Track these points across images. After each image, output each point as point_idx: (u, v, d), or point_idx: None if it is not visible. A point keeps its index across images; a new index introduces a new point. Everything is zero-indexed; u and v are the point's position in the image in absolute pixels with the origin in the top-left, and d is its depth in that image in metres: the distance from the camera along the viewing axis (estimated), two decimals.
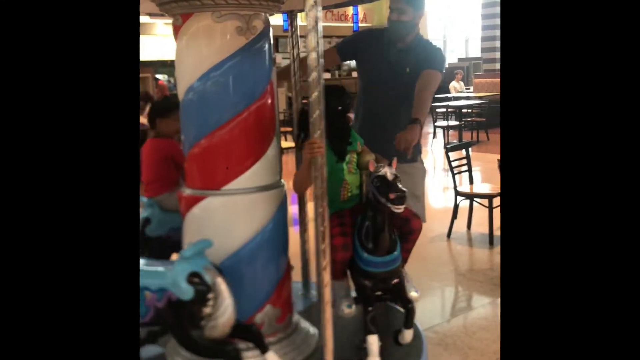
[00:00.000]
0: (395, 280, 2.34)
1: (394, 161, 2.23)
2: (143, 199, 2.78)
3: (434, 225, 5.35)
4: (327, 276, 2.08)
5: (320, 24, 1.97)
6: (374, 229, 2.24)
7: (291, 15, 3.03)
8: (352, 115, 2.42)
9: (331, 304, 2.34)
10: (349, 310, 2.42)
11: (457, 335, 3.16)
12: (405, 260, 2.47)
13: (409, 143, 2.53)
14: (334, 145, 2.34)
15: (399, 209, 2.10)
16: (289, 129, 9.94)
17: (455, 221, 4.96)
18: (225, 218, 2.33)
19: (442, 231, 5.00)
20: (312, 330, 2.59)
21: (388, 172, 2.15)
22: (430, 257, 4.52)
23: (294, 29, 3.01)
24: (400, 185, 2.11)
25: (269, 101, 2.39)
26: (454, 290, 4.06)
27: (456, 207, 4.97)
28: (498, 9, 15.73)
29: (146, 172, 2.88)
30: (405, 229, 2.40)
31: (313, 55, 1.97)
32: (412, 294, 2.45)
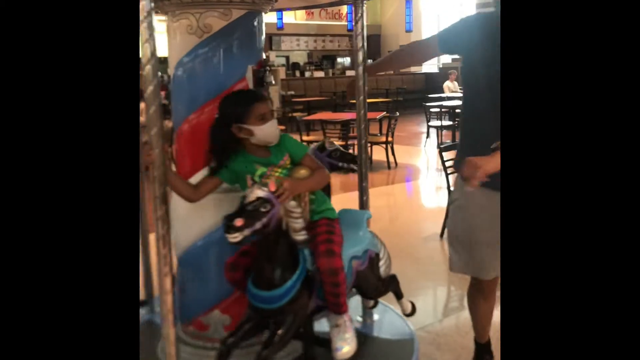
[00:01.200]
0: (287, 320, 2.00)
1: (271, 182, 1.90)
2: None
3: (427, 225, 5.36)
4: (168, 283, 1.94)
5: (153, 16, 1.82)
6: (255, 258, 2.01)
7: (356, 3, 2.79)
8: (250, 126, 2.02)
9: None
10: None
11: (449, 335, 3.16)
12: (333, 305, 2.10)
13: (475, 172, 1.91)
14: (214, 156, 2.12)
15: (231, 238, 1.79)
16: (282, 127, 9.94)
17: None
18: (182, 211, 2.33)
19: (434, 231, 5.00)
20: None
21: (250, 193, 1.87)
22: (423, 256, 4.52)
23: (358, 17, 2.68)
24: (249, 210, 1.82)
25: None
26: (446, 289, 4.07)
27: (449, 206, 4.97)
28: (492, 9, 15.76)
29: None
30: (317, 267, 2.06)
31: (146, 48, 1.81)
32: (343, 350, 2.07)
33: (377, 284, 2.37)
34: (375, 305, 2.73)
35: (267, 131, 2.06)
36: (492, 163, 1.91)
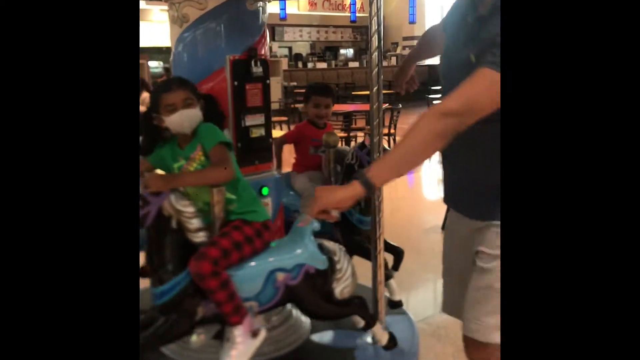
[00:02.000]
0: (166, 320, 1.92)
1: (147, 176, 1.92)
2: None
3: (428, 217, 5.35)
4: None
5: None
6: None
7: None
8: (162, 116, 2.01)
9: None
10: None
11: (450, 327, 3.16)
12: (222, 314, 1.95)
13: (313, 205, 1.53)
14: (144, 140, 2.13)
15: None
16: (284, 118, 9.99)
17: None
18: None
19: (436, 223, 5.00)
20: (304, 320, 2.59)
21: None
22: (424, 248, 4.52)
23: None
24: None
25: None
26: None
27: None
28: None
29: None
30: None
31: None
32: None
33: (320, 303, 2.12)
34: (366, 327, 2.32)
35: (174, 122, 2.02)
36: (336, 195, 1.52)
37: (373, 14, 2.24)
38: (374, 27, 2.26)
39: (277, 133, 3.78)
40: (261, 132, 2.41)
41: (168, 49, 2.54)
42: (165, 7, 2.49)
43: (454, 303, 1.86)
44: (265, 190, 2.42)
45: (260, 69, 2.37)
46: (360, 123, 8.68)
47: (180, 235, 1.92)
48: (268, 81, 2.43)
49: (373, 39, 2.28)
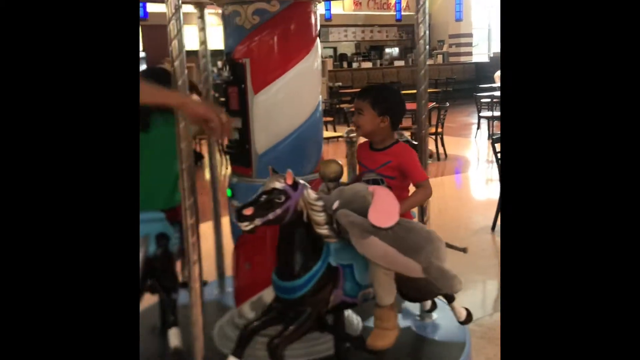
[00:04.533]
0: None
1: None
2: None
3: (477, 217, 5.27)
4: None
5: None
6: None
7: None
8: None
9: None
10: None
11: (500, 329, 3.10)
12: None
13: None
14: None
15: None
16: (330, 118, 10.01)
17: (500, 213, 4.87)
18: None
19: (486, 224, 4.92)
20: (356, 320, 2.59)
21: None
22: (474, 249, 4.44)
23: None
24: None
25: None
26: (496, 283, 3.99)
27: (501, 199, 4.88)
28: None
29: None
30: None
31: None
32: None
33: None
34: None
35: None
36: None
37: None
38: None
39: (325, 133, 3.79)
40: (234, 135, 2.39)
41: (216, 52, 2.57)
42: (213, 11, 2.54)
43: None
44: (228, 192, 2.48)
45: (227, 73, 2.39)
46: (407, 122, 8.60)
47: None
48: (243, 86, 2.35)
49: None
